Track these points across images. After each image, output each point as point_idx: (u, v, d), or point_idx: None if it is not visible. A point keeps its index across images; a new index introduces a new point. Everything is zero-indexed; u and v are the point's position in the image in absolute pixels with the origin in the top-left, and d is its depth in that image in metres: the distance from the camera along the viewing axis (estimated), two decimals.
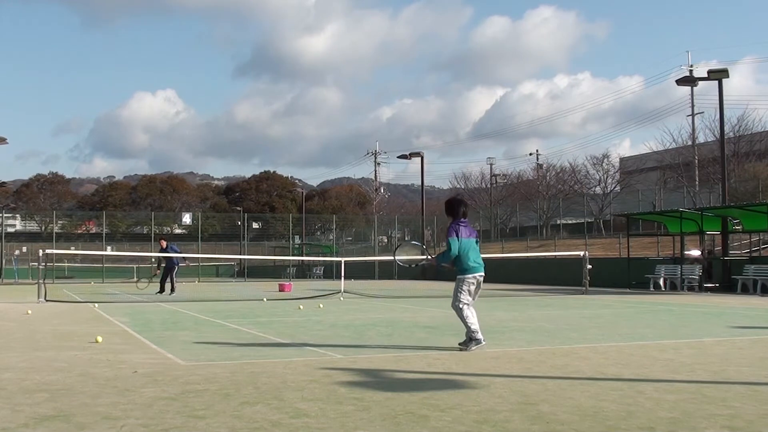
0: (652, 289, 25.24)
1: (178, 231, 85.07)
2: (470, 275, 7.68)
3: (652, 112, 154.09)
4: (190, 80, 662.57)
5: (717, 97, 25.93)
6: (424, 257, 8.87)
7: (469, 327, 7.57)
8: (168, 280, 22.05)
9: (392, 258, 9.28)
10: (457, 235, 7.64)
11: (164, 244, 23.01)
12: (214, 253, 52.76)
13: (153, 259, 22.97)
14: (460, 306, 7.61)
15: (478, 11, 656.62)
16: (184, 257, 22.71)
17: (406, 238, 59.61)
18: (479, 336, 7.59)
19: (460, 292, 7.66)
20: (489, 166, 79.61)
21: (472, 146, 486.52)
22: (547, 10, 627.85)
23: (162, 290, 21.86)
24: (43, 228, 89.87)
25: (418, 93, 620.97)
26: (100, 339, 8.73)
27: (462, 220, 7.82)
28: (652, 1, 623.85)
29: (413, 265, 9.64)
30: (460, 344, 7.74)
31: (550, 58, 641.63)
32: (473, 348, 7.54)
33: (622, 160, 64.96)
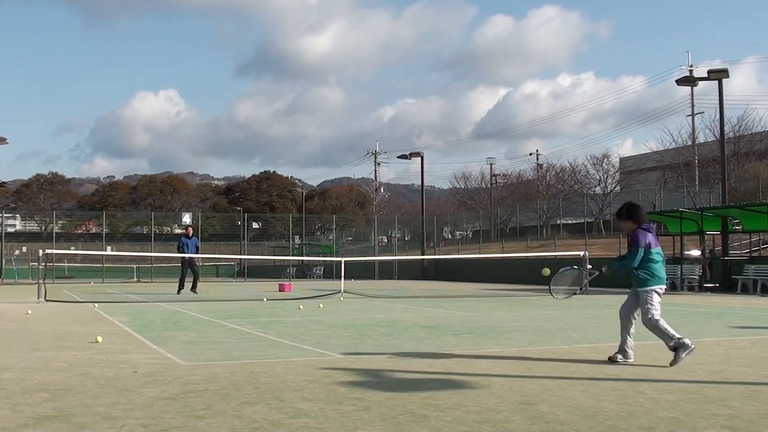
0: None
1: (178, 231, 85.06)
2: (660, 287, 6.95)
3: (654, 112, 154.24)
4: (192, 80, 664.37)
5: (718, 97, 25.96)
6: (589, 277, 8.13)
7: (673, 335, 6.76)
8: (184, 275, 21.68)
9: (548, 291, 8.23)
10: (646, 246, 6.88)
11: (191, 231, 22.52)
12: (214, 253, 52.74)
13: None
14: (656, 318, 6.82)
15: (481, 10, 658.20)
16: (192, 256, 22.32)
17: (407, 239, 59.60)
18: (686, 340, 6.73)
19: (651, 305, 6.84)
20: (489, 166, 79.74)
21: (474, 146, 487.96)
22: (551, 9, 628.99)
23: (194, 287, 21.42)
24: (43, 228, 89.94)
25: (420, 93, 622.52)
26: (100, 339, 8.73)
27: (646, 225, 7.05)
28: (657, 0, 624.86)
29: (576, 293, 8.57)
30: (671, 363, 6.71)
31: (553, 58, 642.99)
32: (684, 355, 6.68)
33: (622, 160, 65.01)
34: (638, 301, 6.94)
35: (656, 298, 6.89)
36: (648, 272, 6.89)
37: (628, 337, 7.01)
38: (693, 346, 6.76)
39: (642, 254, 6.85)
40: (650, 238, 6.94)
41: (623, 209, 7.16)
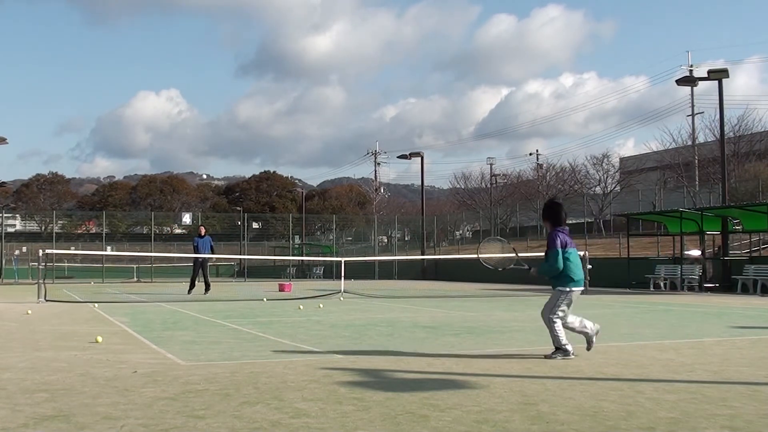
0: (652, 289, 25.24)
1: (178, 231, 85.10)
2: (572, 289, 7.12)
3: (655, 112, 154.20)
4: (194, 80, 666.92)
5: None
6: (515, 258, 8.12)
7: (560, 340, 7.05)
8: (200, 276, 21.57)
9: (476, 256, 8.21)
10: (561, 246, 7.07)
11: (203, 230, 22.39)
12: (215, 253, 52.66)
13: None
14: (555, 319, 7.07)
15: (484, 10, 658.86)
16: (206, 257, 22.15)
17: (406, 239, 59.70)
18: (569, 347, 7.08)
19: (558, 306, 7.08)
20: (489, 166, 79.78)
21: (476, 146, 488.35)
22: (555, 8, 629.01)
23: (192, 287, 21.36)
24: (43, 228, 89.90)
25: (422, 92, 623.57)
26: (100, 339, 8.73)
27: (564, 227, 7.23)
28: (661, 0, 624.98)
29: (501, 269, 8.33)
30: (546, 355, 7.13)
31: (556, 58, 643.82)
32: (559, 358, 7.02)
33: (622, 160, 65.02)
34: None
35: (564, 300, 7.10)
36: (564, 273, 7.04)
37: (583, 323, 7.19)
38: (572, 356, 7.04)
39: (560, 257, 7.02)
40: (565, 238, 7.13)
41: (544, 209, 7.45)
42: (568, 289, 7.09)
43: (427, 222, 47.57)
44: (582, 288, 7.21)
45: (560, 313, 7.08)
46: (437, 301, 18.20)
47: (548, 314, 7.10)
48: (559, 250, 7.03)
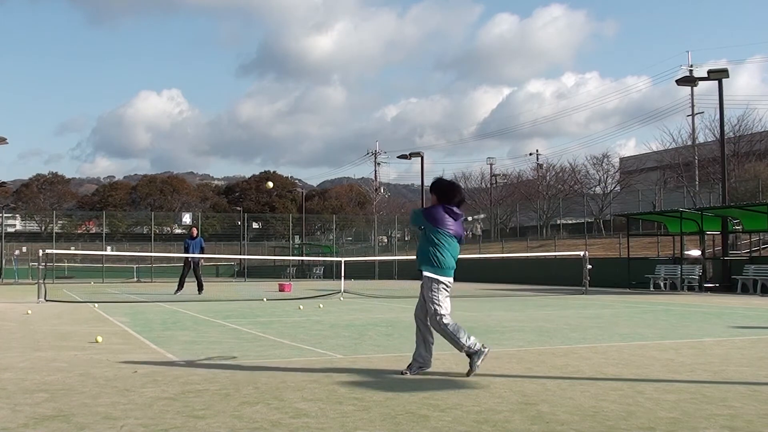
0: (652, 289, 25.24)
1: (178, 231, 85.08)
2: (446, 278, 6.05)
3: (656, 112, 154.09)
4: (195, 79, 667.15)
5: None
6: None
7: (462, 342, 5.90)
8: (193, 276, 21.45)
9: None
10: (434, 221, 5.97)
11: (195, 232, 22.35)
12: (214, 253, 52.71)
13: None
14: (445, 321, 5.92)
15: (487, 9, 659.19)
16: (197, 257, 22.03)
17: (406, 239, 59.70)
18: (479, 346, 5.98)
19: (437, 301, 5.92)
20: (489, 166, 79.83)
21: (477, 146, 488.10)
22: (557, 8, 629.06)
23: (180, 288, 21.31)
24: (43, 228, 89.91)
25: (423, 92, 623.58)
26: (100, 339, 8.73)
27: (452, 206, 6.09)
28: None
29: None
30: (467, 372, 5.96)
31: (557, 57, 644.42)
32: (479, 362, 5.94)
33: (622, 160, 65.05)
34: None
35: (442, 290, 5.99)
36: (433, 254, 6.00)
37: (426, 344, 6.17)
38: (487, 350, 6.02)
39: (418, 220, 6.13)
40: (442, 214, 6.03)
41: (432, 185, 6.27)
42: (438, 277, 5.98)
43: None
44: (450, 279, 6.05)
45: (443, 310, 5.93)
46: None
47: (433, 318, 5.94)
48: (419, 212, 6.18)
